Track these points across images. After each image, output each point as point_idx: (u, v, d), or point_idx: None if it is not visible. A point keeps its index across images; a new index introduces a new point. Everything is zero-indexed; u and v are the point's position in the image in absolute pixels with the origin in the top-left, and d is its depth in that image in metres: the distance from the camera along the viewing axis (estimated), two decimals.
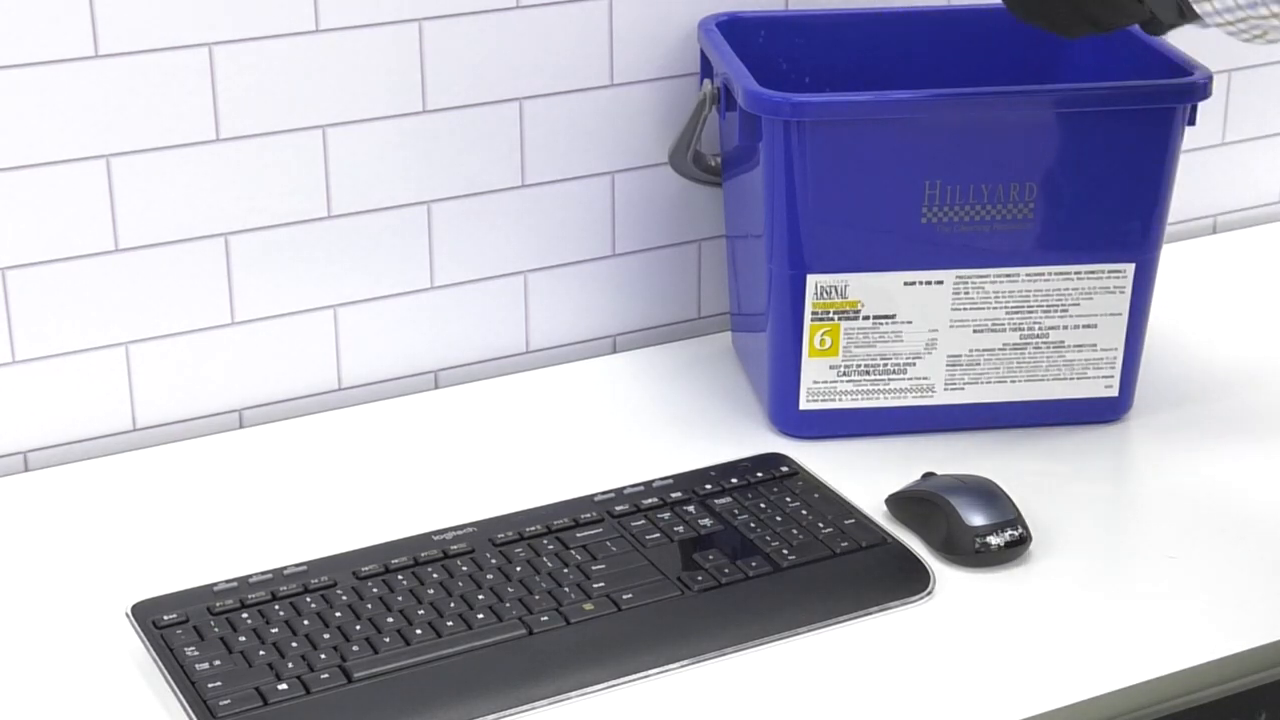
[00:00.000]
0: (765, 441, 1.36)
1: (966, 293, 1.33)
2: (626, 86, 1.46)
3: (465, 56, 1.40)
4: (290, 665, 1.09)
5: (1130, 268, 1.33)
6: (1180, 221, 1.72)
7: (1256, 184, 1.77)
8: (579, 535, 1.22)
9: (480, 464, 1.34)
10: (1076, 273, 1.33)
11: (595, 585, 1.16)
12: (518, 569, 1.18)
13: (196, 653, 1.10)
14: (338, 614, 1.13)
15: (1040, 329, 1.34)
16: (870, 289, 1.32)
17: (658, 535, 1.22)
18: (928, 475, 1.26)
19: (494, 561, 1.19)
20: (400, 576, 1.17)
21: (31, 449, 1.36)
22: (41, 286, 1.32)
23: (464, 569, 1.18)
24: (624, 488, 1.27)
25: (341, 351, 1.44)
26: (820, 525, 1.23)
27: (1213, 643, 1.13)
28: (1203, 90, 1.30)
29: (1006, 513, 1.21)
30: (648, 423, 1.39)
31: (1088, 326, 1.34)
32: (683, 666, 1.10)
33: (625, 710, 1.07)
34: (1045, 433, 1.36)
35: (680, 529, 1.23)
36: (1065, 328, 1.34)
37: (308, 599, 1.14)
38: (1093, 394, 1.37)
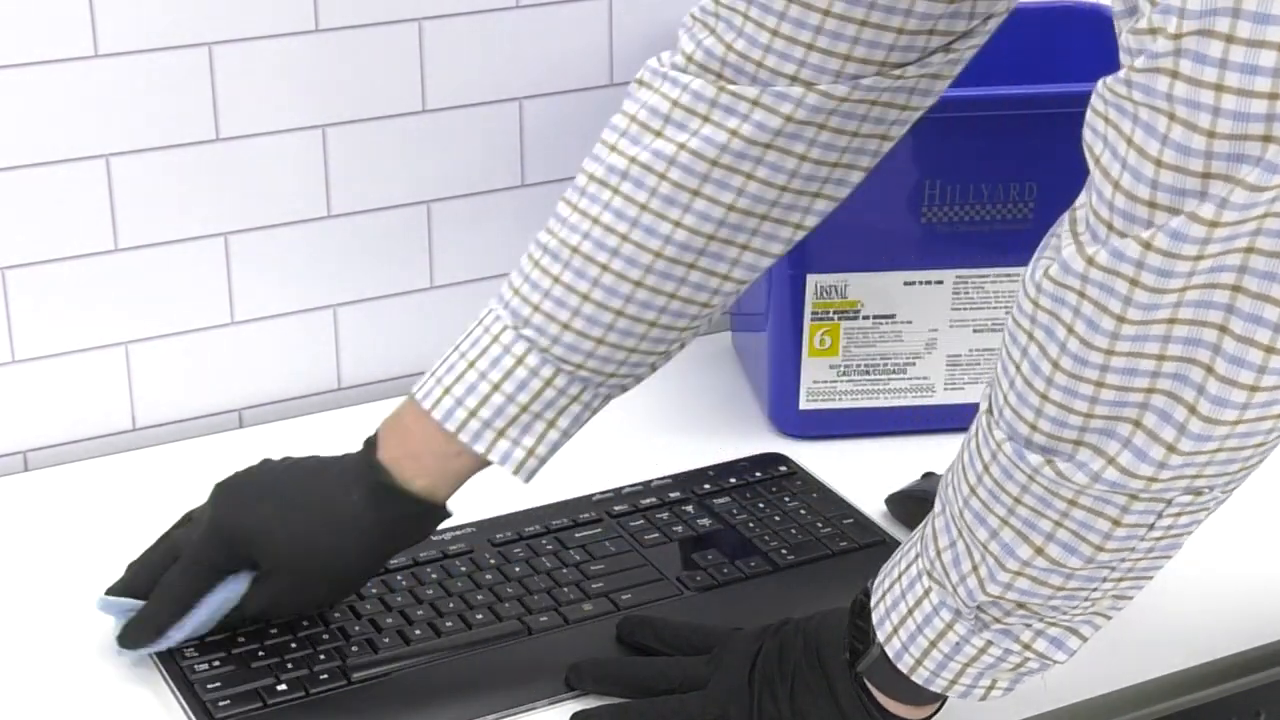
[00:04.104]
0: (765, 441, 1.36)
1: (966, 293, 1.33)
2: (626, 86, 1.46)
3: (465, 56, 1.40)
4: (289, 665, 1.09)
5: None
6: None
7: None
8: (578, 535, 1.22)
9: None
10: None
11: (594, 585, 1.16)
12: (516, 569, 1.18)
13: (196, 653, 1.10)
14: (336, 614, 1.13)
15: None
16: (870, 289, 1.32)
17: (656, 535, 1.22)
18: (928, 475, 1.26)
19: (492, 561, 1.19)
20: (399, 576, 1.17)
21: (31, 449, 1.36)
22: (41, 286, 1.32)
23: (462, 569, 1.18)
24: (623, 488, 1.28)
25: (341, 351, 1.44)
26: (819, 525, 1.23)
27: (1213, 643, 1.13)
28: None
29: None
30: (647, 423, 1.39)
31: None
32: None
33: None
34: None
35: (679, 529, 1.23)
36: None
37: None
38: None
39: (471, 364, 1.05)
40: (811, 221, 1.05)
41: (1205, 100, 0.74)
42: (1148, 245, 0.78)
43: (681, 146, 1.01)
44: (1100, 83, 0.80)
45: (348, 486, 1.06)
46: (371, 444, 1.08)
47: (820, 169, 1.03)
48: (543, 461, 1.07)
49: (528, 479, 1.08)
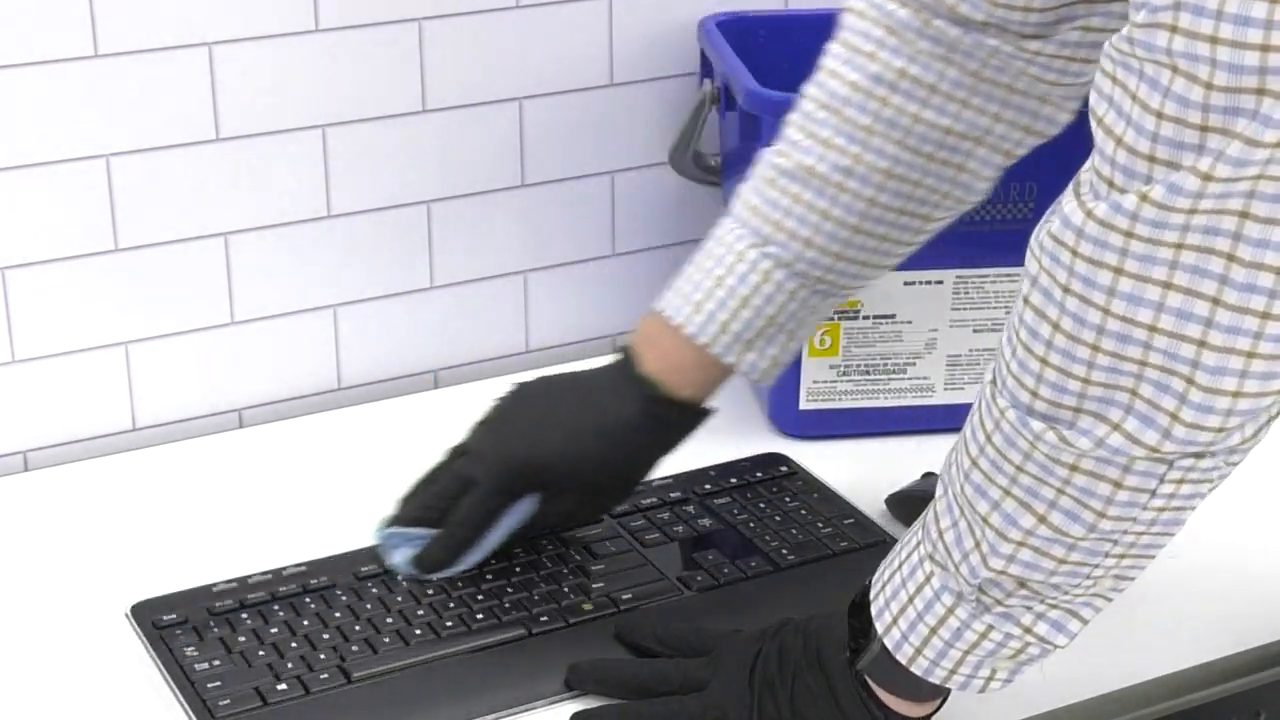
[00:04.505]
0: (765, 441, 1.36)
1: (966, 293, 1.33)
2: (626, 86, 1.46)
3: (465, 56, 1.40)
4: (289, 665, 1.09)
5: None
6: None
7: None
8: (578, 535, 1.22)
9: None
10: None
11: (594, 585, 1.16)
12: (517, 569, 1.18)
13: (196, 653, 1.10)
14: (337, 614, 1.13)
15: None
16: (870, 289, 1.32)
17: (657, 535, 1.22)
18: (928, 475, 1.26)
19: (493, 561, 1.18)
20: (400, 576, 1.17)
21: (31, 449, 1.36)
22: (41, 286, 1.32)
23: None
24: None
25: (341, 351, 1.44)
26: (819, 525, 1.23)
27: (1213, 643, 1.13)
28: None
29: None
30: None
31: None
32: None
33: None
34: None
35: (680, 529, 1.23)
36: None
37: (307, 599, 1.14)
38: None
39: (719, 281, 1.11)
40: (1021, 152, 1.11)
41: (1202, 53, 0.75)
42: (1144, 198, 0.79)
43: (901, 73, 1.06)
44: (1107, 43, 0.81)
45: (622, 403, 1.13)
46: (628, 359, 1.14)
47: (1029, 101, 1.08)
48: (782, 368, 1.15)
49: (768, 384, 1.16)
